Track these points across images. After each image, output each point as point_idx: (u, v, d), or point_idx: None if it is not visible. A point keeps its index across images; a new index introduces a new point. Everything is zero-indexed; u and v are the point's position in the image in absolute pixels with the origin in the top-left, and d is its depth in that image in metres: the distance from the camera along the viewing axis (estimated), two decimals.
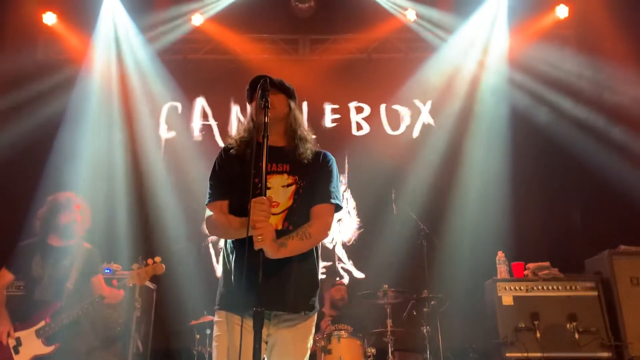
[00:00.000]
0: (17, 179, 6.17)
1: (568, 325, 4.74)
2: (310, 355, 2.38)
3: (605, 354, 4.67)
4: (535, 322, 4.75)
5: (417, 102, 6.98)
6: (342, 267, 6.42)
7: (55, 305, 3.77)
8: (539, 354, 4.67)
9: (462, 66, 6.91)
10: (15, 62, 6.28)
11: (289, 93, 2.46)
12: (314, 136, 2.50)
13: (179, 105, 6.96)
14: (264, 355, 2.27)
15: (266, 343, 2.28)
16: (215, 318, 2.32)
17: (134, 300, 4.17)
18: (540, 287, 4.93)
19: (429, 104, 6.96)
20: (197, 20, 6.84)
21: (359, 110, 7.02)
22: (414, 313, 5.10)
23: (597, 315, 4.80)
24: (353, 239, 6.52)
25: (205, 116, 6.96)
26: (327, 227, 2.36)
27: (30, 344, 3.69)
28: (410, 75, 6.89)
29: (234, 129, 6.69)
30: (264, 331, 2.12)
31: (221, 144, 6.48)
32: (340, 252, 6.47)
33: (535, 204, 6.42)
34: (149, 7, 6.84)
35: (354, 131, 6.94)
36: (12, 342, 3.67)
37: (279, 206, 2.27)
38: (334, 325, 4.94)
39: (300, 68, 6.99)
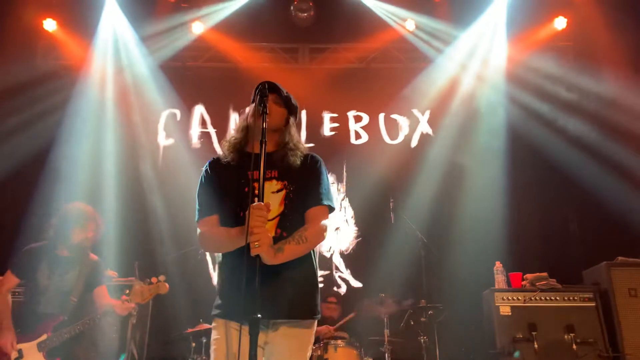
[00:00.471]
0: (17, 186, 6.15)
1: (566, 336, 4.72)
2: None
3: None
4: (533, 333, 4.73)
5: (415, 112, 7.00)
6: (339, 276, 6.39)
7: (58, 318, 3.75)
8: None
9: (460, 77, 6.95)
10: (15, 68, 6.30)
11: (291, 109, 2.47)
12: (311, 144, 2.51)
13: (177, 112, 6.97)
14: None
15: (263, 349, 2.25)
16: (213, 324, 2.31)
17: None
18: (538, 298, 4.91)
19: (427, 113, 6.99)
20: (197, 28, 6.87)
21: (358, 119, 7.04)
22: (412, 323, 5.08)
23: (595, 326, 4.78)
24: (351, 247, 6.50)
25: (203, 123, 6.97)
26: (323, 230, 2.34)
27: (32, 356, 3.65)
28: (408, 85, 6.92)
29: None
30: (261, 337, 2.11)
31: (220, 152, 6.47)
32: (338, 261, 6.45)
33: (533, 214, 6.43)
34: (150, 15, 6.86)
35: (353, 140, 6.95)
36: (14, 354, 3.64)
37: (270, 213, 2.25)
38: (330, 334, 4.91)
39: (300, 77, 7.00)
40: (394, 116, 7.01)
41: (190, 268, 5.94)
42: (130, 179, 6.47)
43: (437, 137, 6.83)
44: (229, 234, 2.25)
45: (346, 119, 7.02)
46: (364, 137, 6.96)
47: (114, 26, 6.86)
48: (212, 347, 2.26)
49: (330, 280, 6.34)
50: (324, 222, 2.35)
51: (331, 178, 6.47)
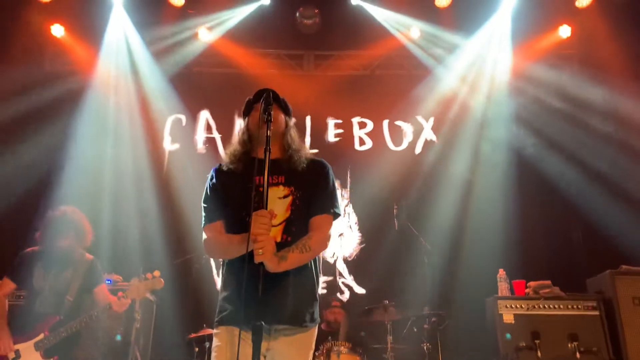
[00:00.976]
0: (21, 190, 6.18)
1: (569, 345, 4.70)
2: None
3: None
4: (536, 341, 4.71)
5: (419, 119, 7.02)
6: (342, 282, 6.40)
7: (55, 318, 3.78)
8: None
9: (464, 84, 6.96)
10: (24, 73, 6.37)
11: (288, 112, 2.51)
12: (316, 150, 2.53)
13: (183, 117, 7.01)
14: None
15: (265, 357, 2.26)
16: (215, 331, 2.32)
17: (133, 312, 4.16)
18: (541, 306, 4.90)
19: (431, 120, 7.00)
20: (204, 34, 6.93)
21: (362, 125, 7.06)
22: (415, 330, 5.08)
23: (599, 335, 4.76)
24: (354, 254, 6.50)
25: (209, 129, 7.00)
26: (327, 239, 2.37)
27: (29, 356, 3.68)
28: (412, 91, 6.94)
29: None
30: (264, 345, 2.11)
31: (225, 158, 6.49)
32: (342, 267, 6.46)
33: (537, 222, 6.42)
34: (156, 21, 6.92)
35: (357, 146, 6.97)
36: (11, 355, 3.66)
37: (276, 218, 2.27)
38: (333, 341, 4.91)
39: (305, 83, 7.04)
40: (398, 123, 7.02)
41: (194, 273, 5.96)
42: (135, 183, 6.51)
43: (441, 144, 6.85)
44: (233, 240, 2.27)
45: (350, 125, 7.04)
46: (368, 144, 6.98)
47: (121, 32, 6.91)
48: (213, 354, 2.27)
49: (333, 286, 6.34)
50: (327, 231, 2.37)
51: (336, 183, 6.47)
